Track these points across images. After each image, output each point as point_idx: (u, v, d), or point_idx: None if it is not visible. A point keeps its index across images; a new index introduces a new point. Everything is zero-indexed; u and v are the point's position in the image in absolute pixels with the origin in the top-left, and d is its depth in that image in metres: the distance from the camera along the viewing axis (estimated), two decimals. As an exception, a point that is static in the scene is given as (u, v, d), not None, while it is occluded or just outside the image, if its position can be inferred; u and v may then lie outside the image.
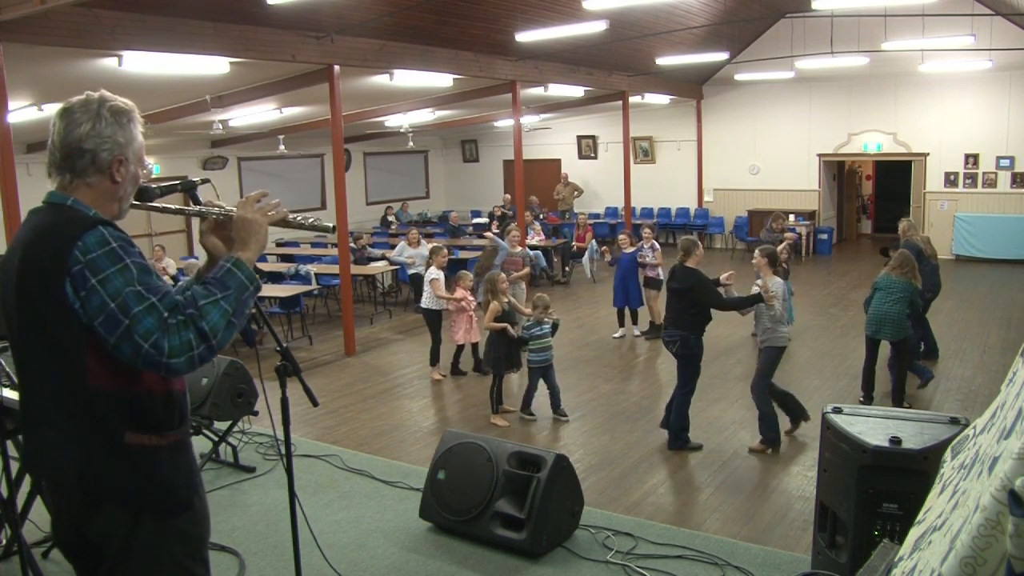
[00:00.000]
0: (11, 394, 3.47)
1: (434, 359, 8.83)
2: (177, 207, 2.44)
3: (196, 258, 13.57)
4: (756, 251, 6.78)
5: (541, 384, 7.29)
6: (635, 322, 10.33)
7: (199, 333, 1.95)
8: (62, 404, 2.05)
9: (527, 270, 9.96)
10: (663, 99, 17.61)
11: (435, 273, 8.64)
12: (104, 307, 1.92)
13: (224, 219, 2.27)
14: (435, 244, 9.55)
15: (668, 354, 9.40)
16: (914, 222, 8.90)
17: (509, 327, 7.38)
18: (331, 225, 2.43)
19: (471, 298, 8.38)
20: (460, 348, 8.75)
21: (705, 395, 7.85)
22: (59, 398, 2.05)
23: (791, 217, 16.73)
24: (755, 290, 6.25)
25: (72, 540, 2.19)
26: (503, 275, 8.02)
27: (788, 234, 9.99)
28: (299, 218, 2.37)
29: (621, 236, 10.46)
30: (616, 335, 10.29)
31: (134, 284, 1.94)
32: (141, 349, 1.90)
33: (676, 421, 6.40)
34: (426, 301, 8.75)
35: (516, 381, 8.20)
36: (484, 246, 15.15)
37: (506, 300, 7.52)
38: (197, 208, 2.31)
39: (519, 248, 10.12)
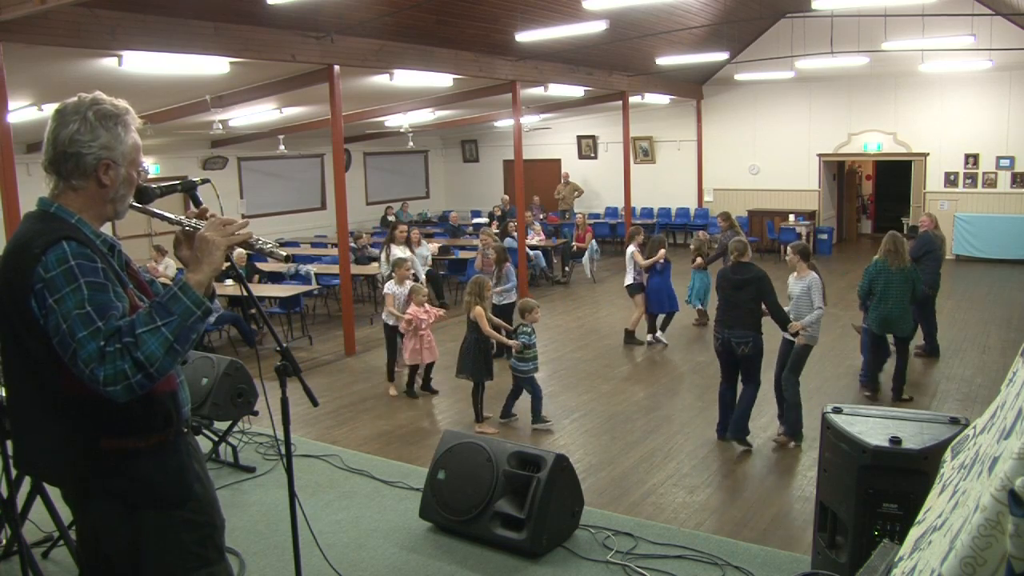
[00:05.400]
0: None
1: (389, 375, 8.35)
2: (155, 211, 2.42)
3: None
4: (788, 248, 6.94)
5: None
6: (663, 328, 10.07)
7: (135, 363, 1.90)
8: (43, 409, 2.10)
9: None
10: (663, 99, 17.61)
11: (390, 288, 8.15)
12: (58, 327, 1.93)
13: (195, 232, 2.22)
14: (398, 256, 8.69)
15: (668, 354, 9.52)
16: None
17: (505, 339, 7.32)
18: (284, 254, 2.46)
19: (423, 316, 7.81)
20: (413, 368, 8.06)
21: (705, 396, 7.86)
22: (40, 404, 2.10)
23: (791, 217, 16.76)
24: (793, 320, 6.44)
25: (88, 554, 2.24)
26: (488, 281, 7.60)
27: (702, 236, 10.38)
28: (260, 242, 2.34)
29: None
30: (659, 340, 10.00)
31: (83, 306, 1.93)
32: (84, 373, 1.91)
33: (746, 416, 6.52)
34: (385, 315, 8.30)
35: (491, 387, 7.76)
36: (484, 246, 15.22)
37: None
38: (173, 217, 2.30)
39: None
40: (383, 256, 9.27)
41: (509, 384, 7.33)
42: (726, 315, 6.51)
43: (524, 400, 7.18)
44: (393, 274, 8.29)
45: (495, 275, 9.10)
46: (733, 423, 6.52)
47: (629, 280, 9.97)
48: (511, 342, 7.11)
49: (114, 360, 1.90)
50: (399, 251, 9.15)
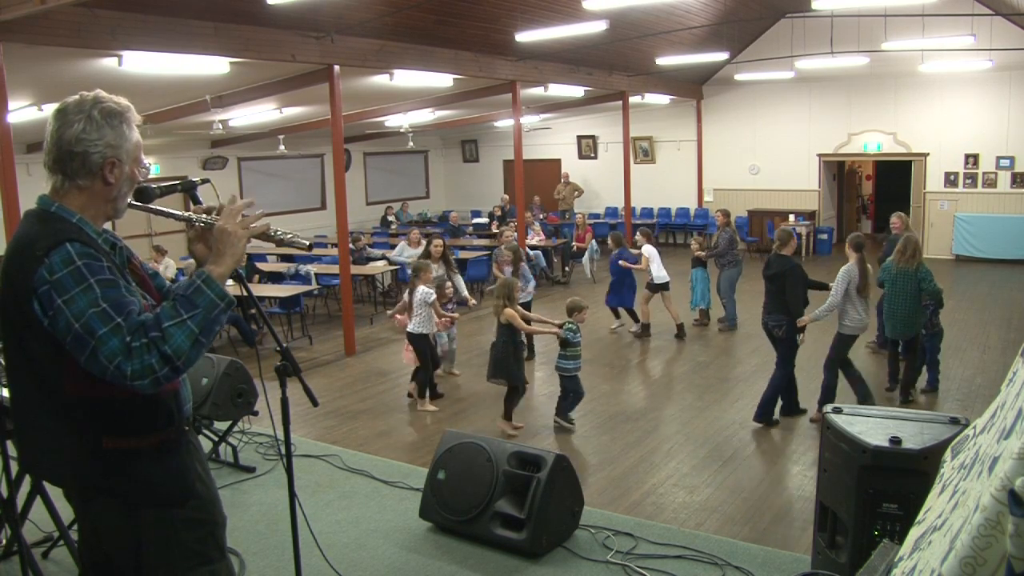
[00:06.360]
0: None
1: (424, 391, 7.66)
2: (164, 210, 2.42)
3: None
4: (847, 241, 7.34)
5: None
6: (636, 319, 10.62)
7: (162, 357, 1.92)
8: (46, 410, 2.10)
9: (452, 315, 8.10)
10: (663, 99, 17.61)
11: (431, 295, 7.46)
12: (70, 328, 1.93)
13: (209, 227, 2.22)
14: (419, 260, 8.17)
15: (668, 354, 9.53)
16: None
17: (551, 321, 7.31)
18: (307, 243, 2.45)
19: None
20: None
21: (705, 396, 7.87)
22: (42, 404, 2.10)
23: (791, 217, 16.76)
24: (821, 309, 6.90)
25: (90, 556, 2.25)
26: (517, 283, 7.40)
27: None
28: (279, 232, 2.36)
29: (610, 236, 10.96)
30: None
31: (98, 304, 1.93)
32: (107, 370, 1.91)
33: (771, 398, 6.94)
34: (418, 325, 7.46)
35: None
36: (490, 246, 15.22)
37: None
38: (184, 214, 2.30)
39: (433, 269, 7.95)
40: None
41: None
42: (766, 301, 7.10)
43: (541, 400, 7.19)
44: (418, 278, 7.57)
45: (511, 275, 9.03)
46: (759, 407, 6.96)
47: (664, 276, 10.27)
48: (556, 323, 7.11)
49: (141, 355, 1.91)
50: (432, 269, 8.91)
